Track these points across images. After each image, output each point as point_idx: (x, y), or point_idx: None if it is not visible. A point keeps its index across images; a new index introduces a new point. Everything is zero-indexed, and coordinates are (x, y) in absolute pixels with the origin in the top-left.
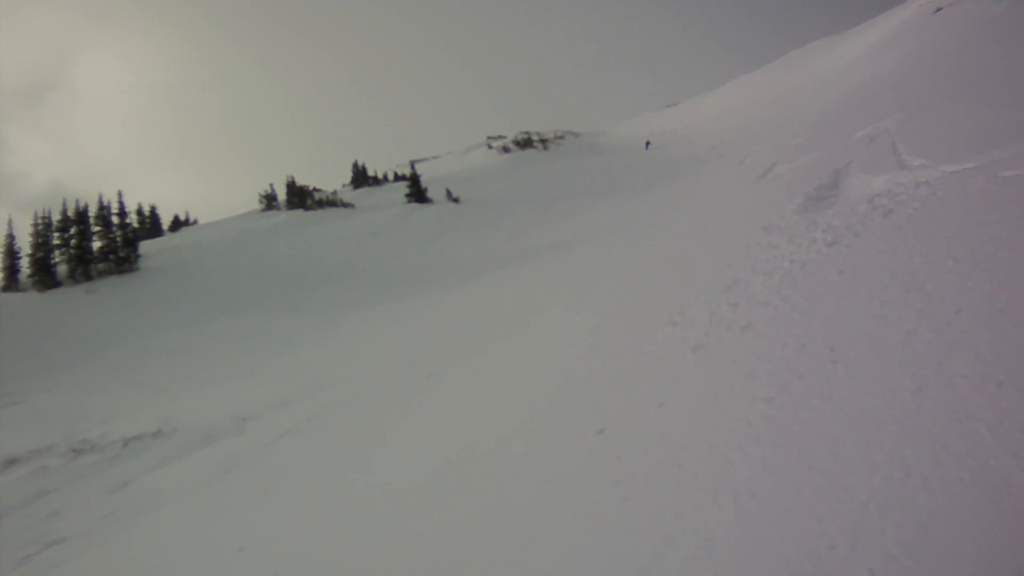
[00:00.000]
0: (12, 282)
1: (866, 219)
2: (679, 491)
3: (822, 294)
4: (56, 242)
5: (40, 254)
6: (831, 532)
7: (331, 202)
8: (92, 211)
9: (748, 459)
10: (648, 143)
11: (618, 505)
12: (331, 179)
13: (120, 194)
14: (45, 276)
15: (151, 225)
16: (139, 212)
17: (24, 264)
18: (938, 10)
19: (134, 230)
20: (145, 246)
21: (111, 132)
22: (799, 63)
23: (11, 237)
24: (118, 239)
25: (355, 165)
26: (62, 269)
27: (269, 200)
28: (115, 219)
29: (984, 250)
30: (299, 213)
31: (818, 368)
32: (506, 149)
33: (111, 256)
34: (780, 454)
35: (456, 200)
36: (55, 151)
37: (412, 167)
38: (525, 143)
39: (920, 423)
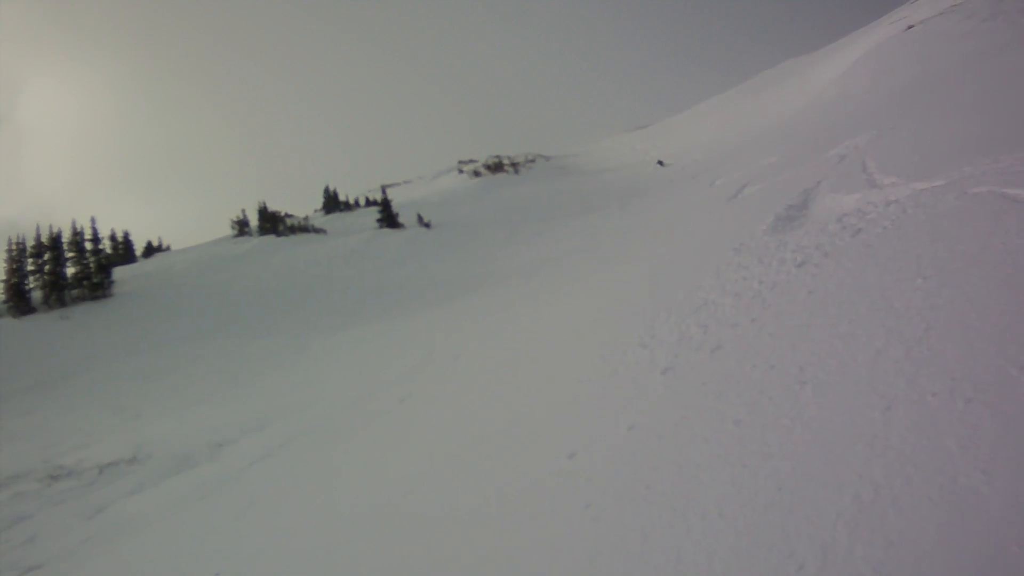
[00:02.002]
0: None
1: (835, 239)
2: (648, 512)
3: (791, 314)
4: (30, 268)
5: (14, 280)
6: (800, 552)
7: (303, 227)
8: (66, 237)
9: (717, 480)
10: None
11: (588, 527)
12: (303, 205)
13: (93, 220)
14: (20, 302)
15: (124, 251)
16: (112, 238)
17: None
18: (909, 27)
19: (107, 256)
20: (119, 272)
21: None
22: (771, 83)
23: None
24: (92, 265)
25: (326, 190)
26: (36, 295)
27: (241, 226)
28: (88, 245)
29: (954, 267)
30: (271, 239)
31: (787, 389)
32: (477, 173)
33: (85, 282)
34: (749, 474)
35: (427, 224)
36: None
37: (383, 192)
38: (496, 167)
39: (889, 441)
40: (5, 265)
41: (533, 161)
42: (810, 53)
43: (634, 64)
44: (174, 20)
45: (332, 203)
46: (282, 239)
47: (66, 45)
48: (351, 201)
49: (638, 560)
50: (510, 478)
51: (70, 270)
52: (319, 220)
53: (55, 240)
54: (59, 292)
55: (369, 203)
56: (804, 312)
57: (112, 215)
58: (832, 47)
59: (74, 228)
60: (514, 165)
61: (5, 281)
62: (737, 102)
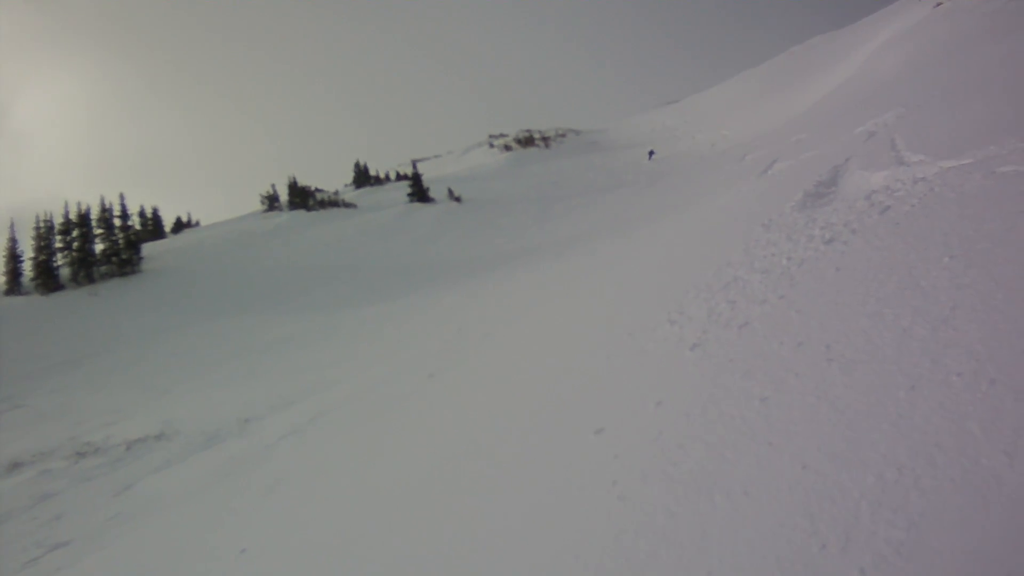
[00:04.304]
0: (15, 285)
1: (864, 216)
2: (674, 490)
3: (819, 292)
4: (58, 245)
5: (42, 257)
6: (823, 531)
7: (333, 202)
8: (94, 214)
9: (743, 458)
10: (651, 152)
11: (614, 504)
12: (333, 179)
13: (122, 196)
14: (48, 279)
15: (153, 227)
16: (141, 214)
17: (27, 267)
18: (938, 4)
19: (136, 232)
20: (147, 248)
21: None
22: (800, 59)
23: (13, 240)
24: (120, 241)
25: (357, 165)
26: (65, 272)
27: (271, 201)
28: (117, 221)
29: (980, 247)
30: (301, 213)
31: (814, 366)
32: (508, 147)
33: (113, 258)
34: (774, 453)
35: (458, 199)
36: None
37: (414, 166)
38: (527, 141)
39: (913, 422)
40: (32, 243)
41: (564, 136)
42: (840, 29)
43: (663, 39)
44: (183, 10)
45: (362, 177)
46: (312, 214)
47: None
48: (381, 176)
49: (663, 538)
50: (537, 454)
51: (99, 247)
52: (349, 194)
53: (84, 217)
54: (87, 269)
55: (400, 177)
56: (832, 290)
57: (134, 200)
58: (862, 23)
59: (103, 204)
60: (545, 139)
61: (33, 258)
62: (767, 78)
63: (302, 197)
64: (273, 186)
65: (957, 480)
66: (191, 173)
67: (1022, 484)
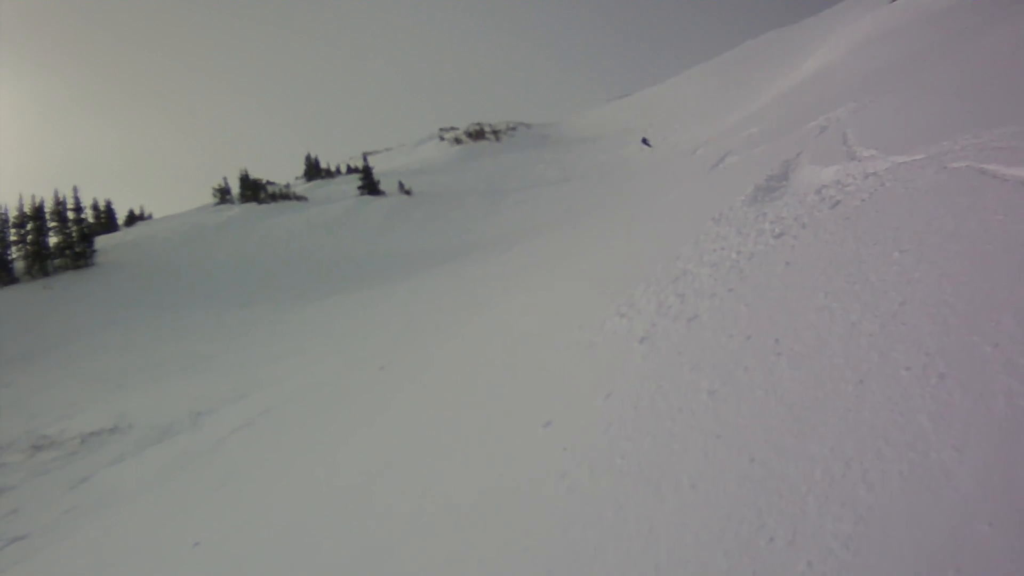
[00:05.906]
0: None
1: (814, 210)
2: (622, 483)
3: (768, 286)
4: (13, 238)
5: None
6: (770, 525)
7: (284, 195)
8: (48, 207)
9: (690, 451)
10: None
11: (563, 497)
12: (284, 172)
13: (76, 189)
14: (2, 272)
15: (106, 220)
16: (94, 207)
17: None
18: (892, 1)
19: (89, 225)
20: (101, 241)
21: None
22: (754, 54)
23: None
24: (74, 234)
25: (308, 158)
26: (19, 265)
27: (223, 194)
28: (71, 214)
29: (931, 241)
30: (252, 206)
31: (762, 360)
32: (458, 140)
33: (67, 251)
34: (722, 446)
35: (408, 192)
36: None
37: (364, 159)
38: (477, 134)
39: (862, 416)
40: None
41: (515, 129)
42: (794, 24)
43: (615, 31)
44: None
45: (313, 171)
46: (263, 207)
47: None
48: (332, 169)
49: (611, 531)
50: (485, 447)
51: (52, 240)
52: (300, 187)
53: (38, 210)
54: (41, 262)
55: (351, 170)
56: (781, 283)
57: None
58: (817, 18)
59: (56, 197)
60: (495, 133)
61: None
62: (720, 72)
63: (253, 190)
64: (225, 179)
65: (906, 474)
66: (134, 175)
67: (971, 478)
